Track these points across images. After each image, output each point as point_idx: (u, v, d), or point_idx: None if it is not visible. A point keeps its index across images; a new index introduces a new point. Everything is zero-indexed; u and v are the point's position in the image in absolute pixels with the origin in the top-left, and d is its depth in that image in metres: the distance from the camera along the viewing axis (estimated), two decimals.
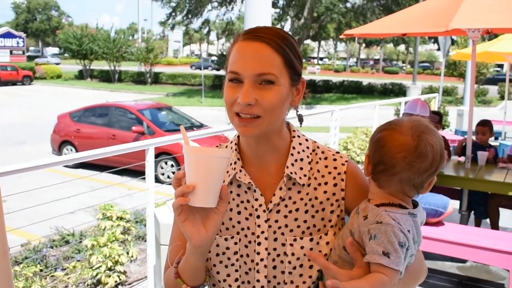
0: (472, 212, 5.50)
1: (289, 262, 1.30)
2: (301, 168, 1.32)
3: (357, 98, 30.99)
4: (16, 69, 39.54)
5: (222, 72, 35.44)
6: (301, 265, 1.30)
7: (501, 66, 56.47)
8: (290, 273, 1.30)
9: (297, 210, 1.31)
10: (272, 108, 1.19)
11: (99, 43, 41.59)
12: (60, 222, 5.38)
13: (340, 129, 7.48)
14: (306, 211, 1.31)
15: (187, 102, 26.28)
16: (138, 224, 5.37)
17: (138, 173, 7.01)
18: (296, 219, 1.31)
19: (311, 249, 1.30)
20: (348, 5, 33.02)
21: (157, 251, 3.65)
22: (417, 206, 1.26)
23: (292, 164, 1.31)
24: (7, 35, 44.77)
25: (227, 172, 1.35)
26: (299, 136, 1.38)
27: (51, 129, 12.05)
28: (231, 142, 1.40)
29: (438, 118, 5.76)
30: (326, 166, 1.34)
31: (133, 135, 10.49)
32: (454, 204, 4.84)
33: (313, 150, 1.37)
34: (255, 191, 1.31)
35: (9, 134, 15.69)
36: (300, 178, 1.31)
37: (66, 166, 10.92)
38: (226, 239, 1.34)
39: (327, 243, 1.30)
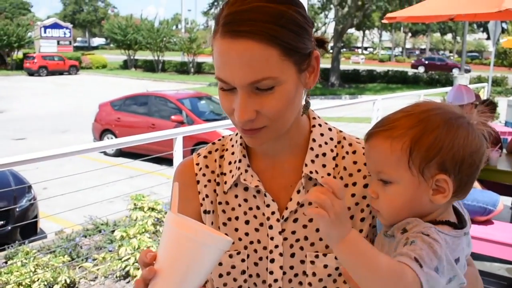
0: None
1: (310, 284, 1.05)
2: (324, 166, 1.07)
3: (402, 88, 30.22)
4: (63, 59, 40.48)
5: None
6: None
7: None
8: None
9: None
10: (278, 115, 0.95)
11: (143, 34, 42.07)
12: (97, 211, 5.36)
13: None
14: None
15: None
16: None
17: None
18: (318, 230, 1.05)
19: (336, 268, 1.03)
20: None
21: None
22: (461, 217, 0.99)
23: (312, 161, 1.06)
24: (55, 26, 46.09)
25: (230, 171, 1.11)
26: (320, 125, 1.11)
27: (93, 117, 12.19)
28: (236, 134, 1.15)
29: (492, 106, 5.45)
30: (354, 162, 1.09)
31: (173, 124, 10.45)
32: (505, 200, 4.54)
33: (339, 142, 1.11)
34: (265, 195, 1.07)
35: (53, 123, 16.01)
36: (322, 178, 1.04)
37: (106, 155, 11.05)
38: (231, 256, 1.08)
39: None
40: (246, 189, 1.09)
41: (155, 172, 8.68)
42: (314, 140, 1.09)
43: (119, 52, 46.81)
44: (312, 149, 1.08)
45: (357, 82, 34.36)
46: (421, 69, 42.08)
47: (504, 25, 26.94)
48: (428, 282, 0.83)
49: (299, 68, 0.96)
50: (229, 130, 8.67)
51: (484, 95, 13.17)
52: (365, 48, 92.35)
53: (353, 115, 10.59)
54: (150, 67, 43.85)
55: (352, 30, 64.81)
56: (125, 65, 45.84)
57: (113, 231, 4.74)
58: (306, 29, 0.95)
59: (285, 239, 1.06)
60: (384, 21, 5.48)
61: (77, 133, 13.91)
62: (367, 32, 75.52)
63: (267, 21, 0.89)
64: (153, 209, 4.54)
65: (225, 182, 1.12)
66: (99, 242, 4.80)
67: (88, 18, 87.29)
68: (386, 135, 0.93)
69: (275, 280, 1.06)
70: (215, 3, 35.55)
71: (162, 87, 26.08)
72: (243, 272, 1.08)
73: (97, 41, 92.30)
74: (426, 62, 47.75)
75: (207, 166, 1.15)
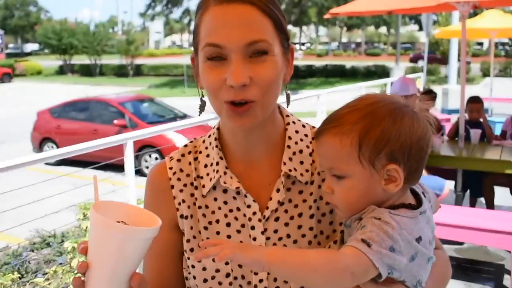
0: (468, 191, 5.39)
1: None
2: (302, 162, 1.07)
3: (341, 82, 30.83)
4: None
5: None
6: None
7: (480, 44, 56.89)
8: None
9: (300, 215, 1.06)
10: (269, 86, 0.95)
11: (79, 37, 41.05)
12: (43, 223, 5.16)
13: (327, 113, 7.33)
14: (311, 216, 1.06)
15: (170, 93, 25.92)
16: None
17: (123, 167, 6.79)
18: (299, 227, 1.05)
19: None
20: None
21: None
22: (419, 198, 1.00)
23: (290, 159, 1.06)
24: None
25: (208, 175, 1.09)
26: (294, 122, 1.11)
27: (32, 126, 11.74)
28: (209, 136, 1.13)
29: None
30: None
31: (115, 128, 10.20)
32: (449, 184, 4.71)
33: (313, 138, 1.09)
34: (246, 196, 1.05)
35: None
36: (301, 175, 1.06)
37: (47, 164, 10.65)
38: (214, 260, 1.03)
39: None
40: (225, 191, 1.08)
41: (101, 180, 8.46)
42: (290, 138, 1.09)
43: (54, 58, 45.39)
44: (289, 146, 1.08)
45: (297, 77, 34.69)
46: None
47: (435, 17, 27.99)
48: (381, 260, 0.85)
49: (284, 50, 1.01)
50: (178, 133, 8.57)
51: (420, 85, 13.64)
52: (303, 44, 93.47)
53: (297, 110, 10.72)
54: (87, 71, 42.71)
55: (289, 27, 65.39)
56: (61, 71, 44.50)
57: (61, 243, 4.58)
58: (285, 18, 1.03)
59: (267, 238, 1.05)
60: (327, 16, 5.59)
61: (16, 143, 13.35)
62: (304, 28, 76.40)
63: None
64: None
65: (203, 186, 1.09)
66: (48, 255, 4.62)
67: (20, 23, 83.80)
68: (335, 131, 0.94)
69: (260, 280, 1.05)
70: (152, 4, 35.03)
71: (102, 91, 25.41)
72: (228, 275, 1.06)
73: (30, 47, 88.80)
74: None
75: (181, 170, 1.13)
